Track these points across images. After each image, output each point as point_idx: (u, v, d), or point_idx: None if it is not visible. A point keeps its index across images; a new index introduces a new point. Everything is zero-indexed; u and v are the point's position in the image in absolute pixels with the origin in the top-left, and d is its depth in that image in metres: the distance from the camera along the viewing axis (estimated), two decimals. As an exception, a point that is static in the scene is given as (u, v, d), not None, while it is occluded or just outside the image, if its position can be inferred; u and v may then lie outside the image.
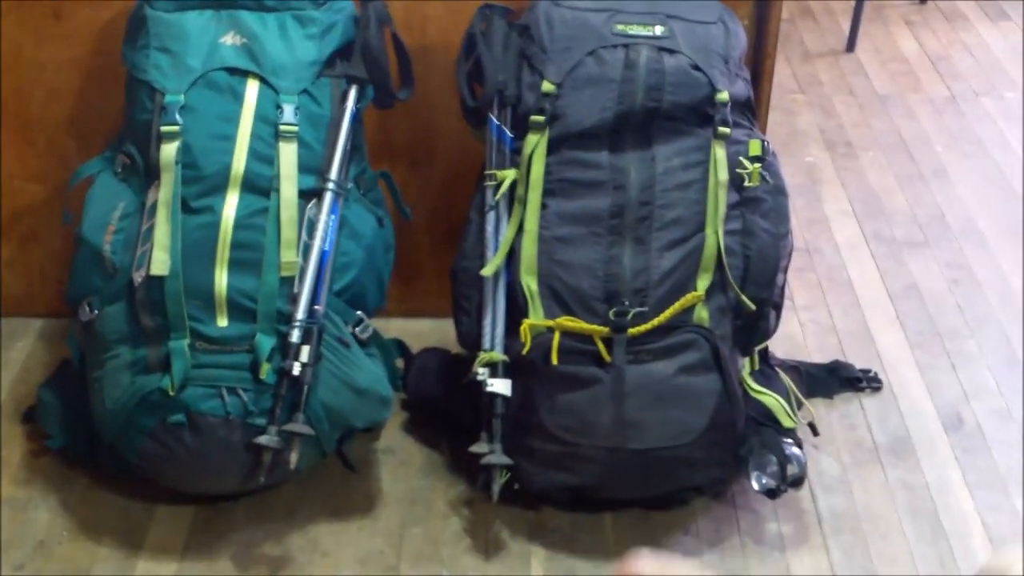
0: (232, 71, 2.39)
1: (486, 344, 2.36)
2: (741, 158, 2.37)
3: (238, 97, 2.37)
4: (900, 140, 3.91)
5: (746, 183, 2.37)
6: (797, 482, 2.34)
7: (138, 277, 2.28)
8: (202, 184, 2.32)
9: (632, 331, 2.27)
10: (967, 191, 3.64)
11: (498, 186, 2.40)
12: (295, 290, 2.29)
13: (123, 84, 2.50)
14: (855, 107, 4.13)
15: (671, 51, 2.40)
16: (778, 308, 2.43)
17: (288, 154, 2.35)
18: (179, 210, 2.29)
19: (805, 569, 2.34)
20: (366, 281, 2.45)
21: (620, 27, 2.42)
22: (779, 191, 2.43)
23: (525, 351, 2.29)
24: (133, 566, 2.31)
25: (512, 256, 2.36)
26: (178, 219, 2.28)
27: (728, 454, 2.36)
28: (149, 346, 2.27)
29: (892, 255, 3.32)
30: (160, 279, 2.25)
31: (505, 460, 2.30)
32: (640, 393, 2.28)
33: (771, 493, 2.34)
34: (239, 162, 2.33)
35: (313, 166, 2.37)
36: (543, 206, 2.36)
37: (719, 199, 2.33)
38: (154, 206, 2.31)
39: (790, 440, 2.38)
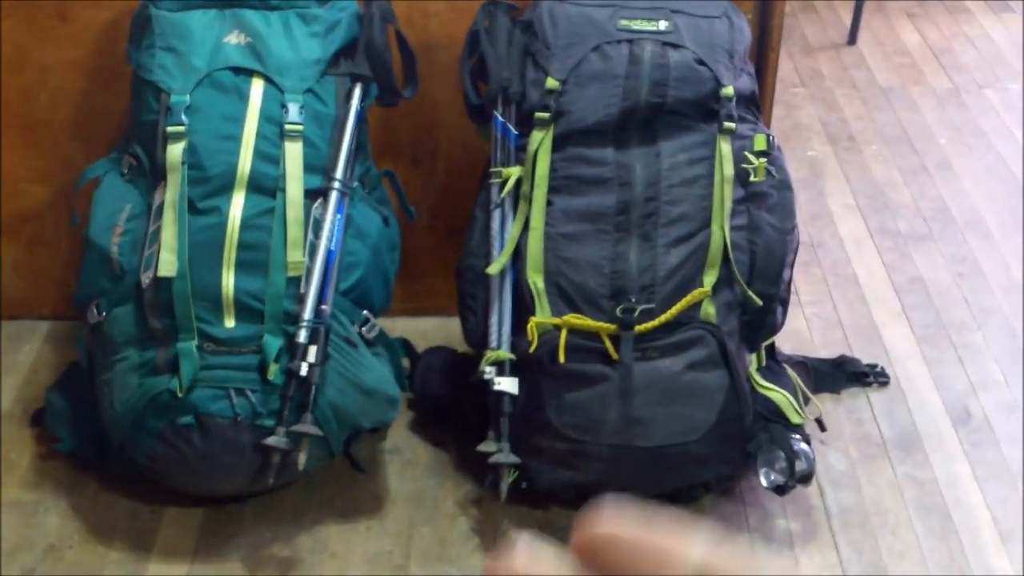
0: (237, 70, 2.39)
1: (493, 342, 2.35)
2: (746, 153, 2.37)
3: (243, 97, 2.37)
4: (903, 133, 3.91)
5: (752, 178, 2.37)
6: (806, 478, 2.34)
7: (146, 279, 2.28)
8: (208, 185, 2.32)
9: (639, 328, 2.27)
10: (971, 183, 3.63)
11: (503, 183, 2.40)
12: (302, 290, 2.29)
13: (128, 85, 2.50)
14: (857, 100, 4.12)
15: (675, 46, 2.39)
16: (785, 303, 2.43)
17: (293, 153, 2.35)
18: (186, 211, 2.29)
19: (814, 565, 2.34)
20: (372, 280, 2.44)
21: (624, 22, 2.42)
22: (785, 186, 2.43)
23: (532, 349, 2.28)
24: (144, 569, 2.32)
25: (518, 254, 2.36)
26: (185, 220, 2.28)
27: (736, 450, 2.36)
28: (157, 348, 2.27)
29: (897, 248, 3.32)
30: (168, 280, 2.25)
31: (513, 459, 2.29)
32: (648, 390, 2.27)
33: (780, 489, 2.34)
34: (245, 162, 2.33)
35: (318, 165, 2.37)
36: (549, 203, 2.36)
37: (725, 194, 2.33)
38: (161, 207, 2.31)
39: (798, 436, 2.38)
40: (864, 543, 2.38)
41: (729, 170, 2.35)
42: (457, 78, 2.53)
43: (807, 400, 2.54)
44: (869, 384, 2.79)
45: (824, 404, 2.67)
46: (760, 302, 2.32)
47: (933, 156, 3.78)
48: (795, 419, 2.41)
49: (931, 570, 2.33)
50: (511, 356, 2.33)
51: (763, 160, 2.38)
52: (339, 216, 2.37)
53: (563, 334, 2.27)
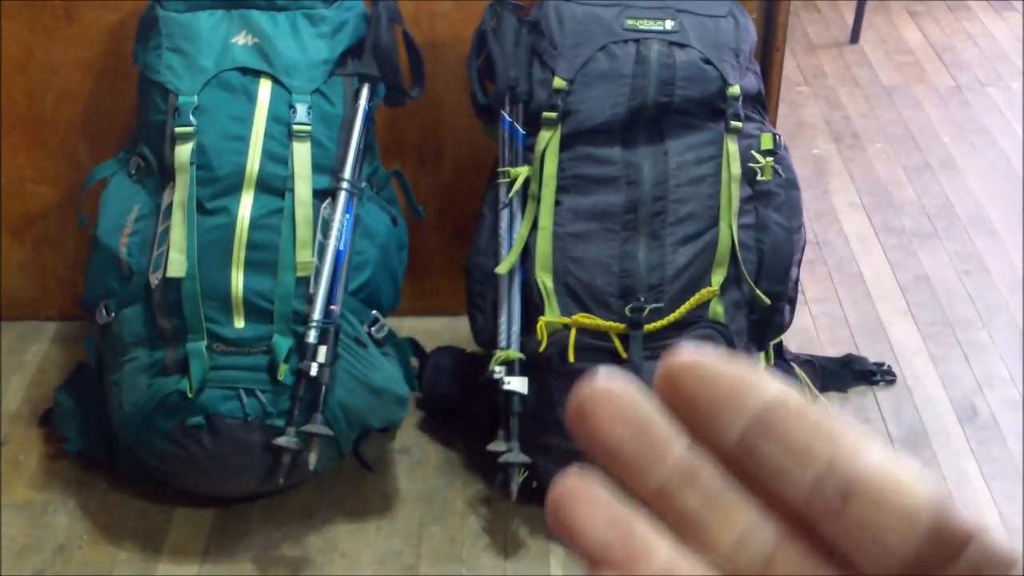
0: (244, 71, 2.39)
1: (502, 342, 2.36)
2: (753, 152, 2.38)
3: (251, 97, 2.37)
4: (907, 131, 3.91)
5: (759, 177, 2.37)
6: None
7: (155, 279, 2.28)
8: (217, 185, 2.32)
9: (648, 327, 2.27)
10: (975, 181, 3.64)
11: (511, 183, 2.40)
12: (311, 290, 2.29)
13: (134, 85, 2.50)
14: (861, 98, 4.13)
15: (682, 45, 2.40)
16: (792, 302, 2.44)
17: (302, 154, 2.35)
18: (195, 211, 2.29)
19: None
20: (381, 280, 2.45)
21: (630, 22, 2.42)
22: (791, 184, 2.44)
23: (541, 348, 2.29)
24: (153, 569, 2.32)
25: (526, 253, 2.36)
26: (194, 220, 2.29)
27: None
28: (167, 348, 2.27)
29: (902, 246, 3.32)
30: (177, 281, 2.26)
31: (523, 458, 2.30)
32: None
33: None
34: (253, 162, 2.33)
35: (327, 165, 2.38)
36: (557, 203, 2.37)
37: (732, 193, 2.33)
38: (169, 208, 2.31)
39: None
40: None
41: (736, 169, 2.35)
42: (463, 78, 2.54)
43: (815, 399, 2.54)
44: (876, 383, 2.79)
45: (832, 403, 2.68)
46: (768, 301, 2.32)
47: (936, 154, 3.79)
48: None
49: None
50: (520, 355, 2.33)
51: (770, 159, 2.39)
52: (348, 216, 2.37)
53: (572, 333, 2.28)
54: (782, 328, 2.43)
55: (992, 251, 3.30)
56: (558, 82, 2.39)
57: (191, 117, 2.34)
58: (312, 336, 2.26)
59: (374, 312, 2.41)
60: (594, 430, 0.35)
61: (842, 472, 0.33)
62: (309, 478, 2.37)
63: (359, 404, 2.30)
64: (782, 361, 2.53)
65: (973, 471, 2.56)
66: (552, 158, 2.38)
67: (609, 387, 0.35)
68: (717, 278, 2.31)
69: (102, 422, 2.42)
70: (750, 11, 2.58)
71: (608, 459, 0.35)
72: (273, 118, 2.36)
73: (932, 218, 3.45)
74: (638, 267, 2.31)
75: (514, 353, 2.33)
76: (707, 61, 2.39)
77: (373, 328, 2.39)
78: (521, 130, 2.42)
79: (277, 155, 2.34)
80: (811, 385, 2.54)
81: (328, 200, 2.36)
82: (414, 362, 2.63)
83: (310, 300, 2.29)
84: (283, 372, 2.25)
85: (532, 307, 2.35)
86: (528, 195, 2.39)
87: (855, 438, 0.34)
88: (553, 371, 2.30)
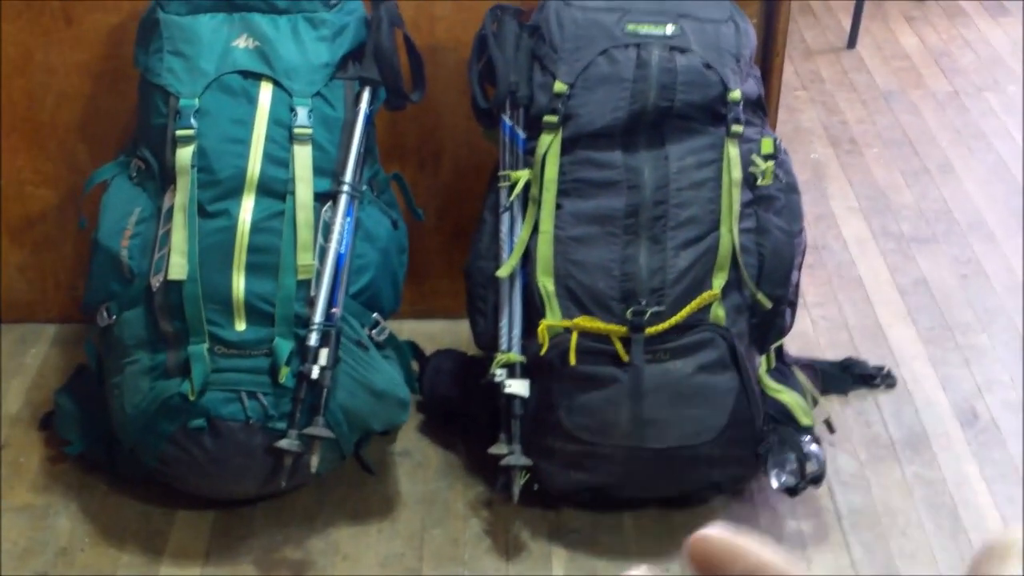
0: (245, 74, 2.39)
1: (503, 345, 2.36)
2: (754, 156, 2.38)
3: (252, 100, 2.37)
4: (904, 136, 3.92)
5: (759, 181, 2.38)
6: (817, 479, 2.35)
7: (156, 282, 2.28)
8: (218, 188, 2.32)
9: (649, 330, 2.28)
10: (973, 185, 3.64)
11: (512, 187, 2.40)
12: (312, 293, 2.29)
13: (134, 88, 2.51)
14: (858, 103, 4.13)
15: (683, 50, 2.40)
16: (793, 306, 2.44)
17: (303, 157, 2.35)
18: (196, 214, 2.29)
19: (827, 566, 2.34)
20: (382, 283, 2.45)
21: (631, 27, 2.42)
22: (792, 189, 2.44)
23: (543, 352, 2.29)
24: (155, 571, 2.32)
25: (527, 257, 2.36)
26: (195, 223, 2.29)
27: (747, 452, 2.36)
28: (168, 351, 2.27)
29: (900, 250, 3.33)
30: (178, 283, 2.26)
31: (525, 461, 2.30)
32: (658, 392, 2.28)
33: (791, 491, 2.35)
34: (254, 165, 2.33)
35: (328, 169, 2.38)
36: (558, 206, 2.37)
37: (733, 197, 2.34)
38: (170, 210, 2.31)
39: (808, 438, 2.38)
40: (875, 544, 2.39)
41: (737, 173, 2.35)
42: (463, 81, 2.54)
43: (815, 402, 2.54)
44: (876, 386, 2.80)
45: (832, 406, 2.68)
46: (769, 304, 2.33)
47: (934, 158, 3.79)
48: (805, 421, 2.41)
49: (942, 570, 2.34)
50: (522, 358, 2.33)
51: (770, 163, 2.39)
52: (348, 219, 2.37)
53: (574, 336, 2.28)
54: (783, 331, 2.43)
55: (990, 255, 3.30)
56: (559, 86, 2.39)
57: (192, 120, 2.34)
58: (313, 339, 2.26)
59: (375, 315, 2.40)
60: None
61: None
62: (310, 481, 2.37)
63: (360, 407, 2.29)
64: (782, 364, 2.53)
65: (974, 474, 2.56)
66: (553, 162, 2.38)
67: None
68: (718, 282, 2.32)
69: (103, 425, 2.42)
70: (750, 16, 2.58)
71: None
72: (274, 121, 2.37)
73: (930, 222, 3.45)
74: (639, 271, 2.31)
75: (515, 356, 2.33)
76: (708, 66, 2.40)
77: (374, 331, 2.39)
78: (522, 134, 2.43)
79: (278, 158, 2.34)
80: (812, 388, 2.54)
81: (329, 203, 2.36)
82: (414, 365, 2.63)
83: (311, 303, 2.29)
84: (284, 375, 2.25)
85: (533, 310, 2.35)
86: (529, 199, 2.39)
87: None
88: (554, 374, 2.30)
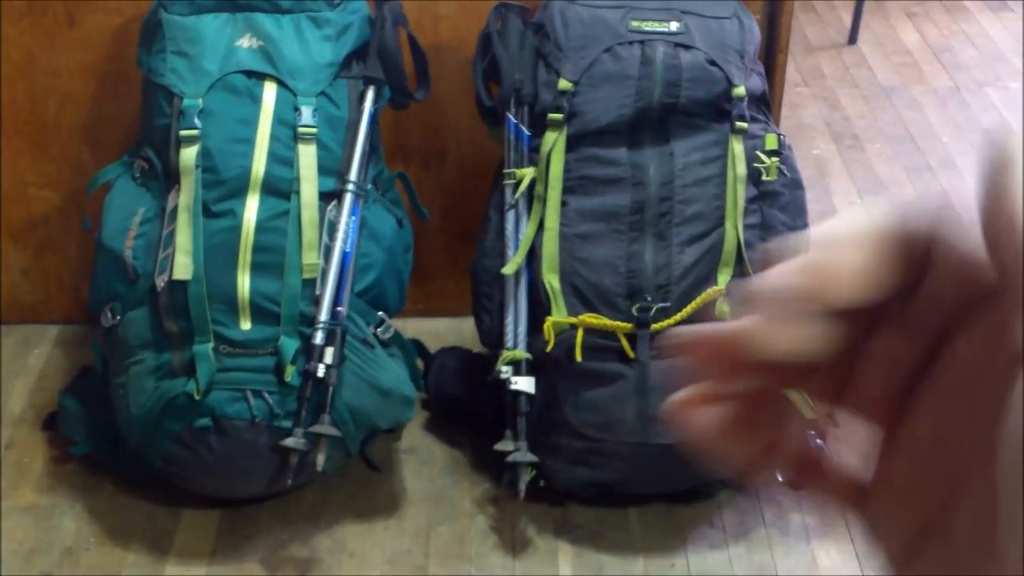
0: (249, 74, 2.39)
1: (509, 342, 2.36)
2: (758, 152, 2.38)
3: (256, 100, 2.37)
4: (906, 132, 3.92)
5: (764, 177, 2.38)
6: (822, 474, 2.34)
7: (160, 282, 2.28)
8: (222, 188, 2.32)
9: (655, 327, 2.28)
10: (975, 181, 3.63)
11: (517, 184, 2.40)
12: (317, 292, 2.29)
13: (137, 90, 2.50)
14: (860, 99, 4.13)
15: (687, 47, 2.40)
16: (797, 301, 2.44)
17: (307, 156, 2.35)
18: (200, 214, 2.29)
19: (832, 559, 2.35)
20: (387, 282, 2.45)
21: (635, 23, 2.42)
22: (796, 184, 2.44)
23: (549, 348, 2.29)
24: (161, 571, 2.32)
25: (533, 254, 2.36)
26: (199, 223, 2.29)
27: (753, 447, 2.36)
28: (173, 351, 2.27)
29: (903, 246, 3.32)
30: (183, 283, 2.26)
31: (531, 458, 2.30)
32: (664, 388, 2.27)
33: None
34: (259, 165, 2.33)
35: (332, 168, 2.38)
36: (563, 204, 2.37)
37: (738, 193, 2.34)
38: (175, 210, 2.31)
39: (812, 432, 2.38)
40: (880, 538, 2.38)
41: (742, 169, 2.36)
42: (466, 80, 2.54)
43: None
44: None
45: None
46: (774, 300, 2.32)
47: (936, 154, 3.79)
48: (808, 414, 2.39)
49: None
50: (528, 356, 2.33)
51: (775, 159, 2.39)
52: (354, 218, 2.37)
53: (580, 333, 2.28)
54: (788, 327, 2.43)
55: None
56: (563, 84, 2.39)
57: (196, 120, 2.34)
58: (319, 337, 2.27)
59: (380, 313, 2.41)
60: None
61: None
62: (316, 479, 2.37)
63: (366, 405, 2.30)
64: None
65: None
66: (558, 159, 2.38)
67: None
68: (723, 278, 2.32)
69: (108, 425, 2.42)
70: (753, 13, 2.59)
71: None
72: (278, 121, 2.37)
73: (933, 218, 3.45)
74: (645, 267, 2.31)
75: (521, 353, 2.33)
76: (712, 62, 2.40)
77: (379, 329, 2.39)
78: (526, 132, 2.43)
79: (283, 158, 2.34)
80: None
81: (334, 202, 2.36)
82: (419, 363, 2.63)
83: (316, 302, 2.29)
84: (290, 373, 2.25)
85: (538, 308, 2.35)
86: (534, 196, 2.39)
87: None
88: (560, 371, 2.30)
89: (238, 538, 2.38)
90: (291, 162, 2.34)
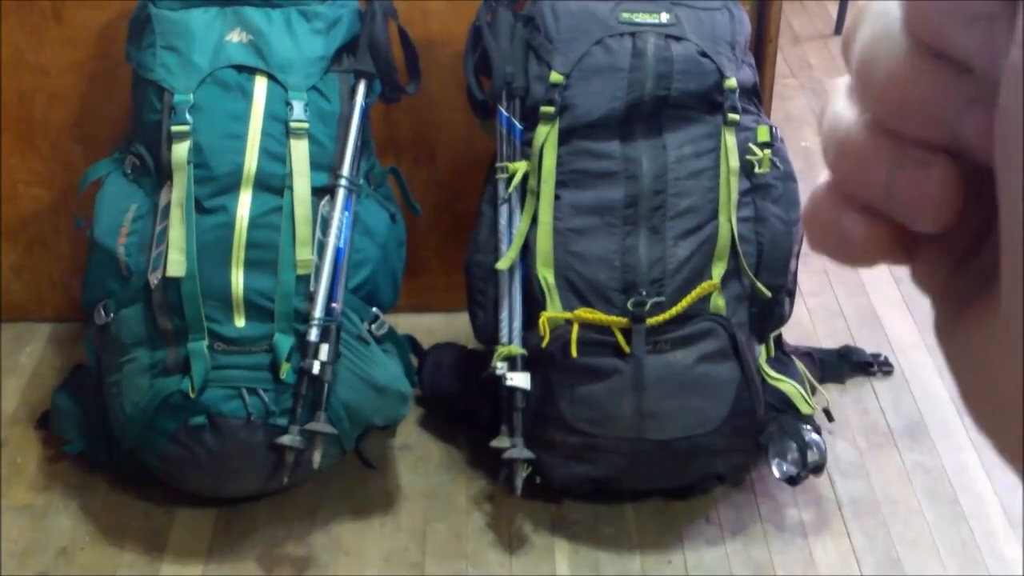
0: (240, 69, 2.38)
1: (504, 338, 2.35)
2: (751, 144, 2.38)
3: (247, 95, 2.36)
4: (895, 122, 3.91)
5: (756, 170, 2.37)
6: (818, 468, 2.35)
7: (154, 279, 2.27)
8: (215, 184, 2.31)
9: (650, 321, 2.27)
10: None
11: (510, 178, 2.39)
12: (311, 288, 2.29)
13: (126, 87, 2.49)
14: (848, 90, 4.12)
15: (678, 38, 2.39)
16: (791, 294, 2.44)
17: (300, 151, 2.34)
18: (193, 210, 2.28)
19: (828, 554, 2.35)
20: (381, 278, 2.44)
21: (626, 15, 2.41)
22: (789, 177, 2.44)
23: (544, 344, 2.28)
24: (157, 570, 2.31)
25: (527, 249, 2.36)
26: (192, 220, 2.28)
27: (749, 442, 2.36)
28: (167, 348, 2.26)
29: (894, 237, 3.32)
30: (177, 281, 2.25)
31: (528, 454, 2.29)
32: (660, 383, 2.28)
33: (792, 480, 2.35)
34: (251, 160, 2.32)
35: (325, 163, 2.37)
36: (556, 197, 2.36)
37: (731, 186, 2.34)
38: (167, 207, 2.30)
39: (809, 426, 2.38)
40: (876, 531, 2.39)
41: (735, 162, 2.35)
42: (457, 75, 2.53)
43: (814, 390, 2.54)
44: (874, 373, 2.80)
45: (830, 394, 2.68)
46: (769, 293, 2.33)
47: (925, 145, 3.78)
48: (805, 409, 2.41)
49: (943, 557, 2.34)
50: (523, 351, 2.33)
51: (767, 151, 2.39)
52: (347, 213, 2.36)
53: (575, 328, 2.27)
54: (782, 320, 2.43)
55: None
56: (555, 76, 2.38)
57: (187, 115, 2.33)
58: (314, 334, 2.26)
59: (374, 309, 2.40)
60: None
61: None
62: (312, 476, 2.36)
63: (362, 402, 2.29)
64: (781, 353, 2.53)
65: (973, 461, 2.56)
66: (551, 153, 2.37)
67: None
68: (718, 271, 2.32)
69: (102, 423, 2.41)
70: (742, 3, 2.58)
71: None
72: (270, 116, 2.35)
73: (923, 209, 3.45)
74: (639, 261, 2.31)
75: (516, 349, 2.33)
76: (704, 54, 2.39)
77: (373, 325, 2.38)
78: (518, 125, 2.42)
79: (275, 153, 2.33)
80: (811, 377, 2.54)
81: (327, 198, 2.35)
82: (413, 359, 2.62)
83: (311, 298, 2.28)
84: (285, 371, 2.24)
85: (533, 303, 2.34)
86: (527, 190, 2.38)
87: None
88: (556, 366, 2.30)
89: (234, 536, 2.38)
90: (283, 157, 2.33)
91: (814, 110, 4.00)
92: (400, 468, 2.53)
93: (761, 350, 2.44)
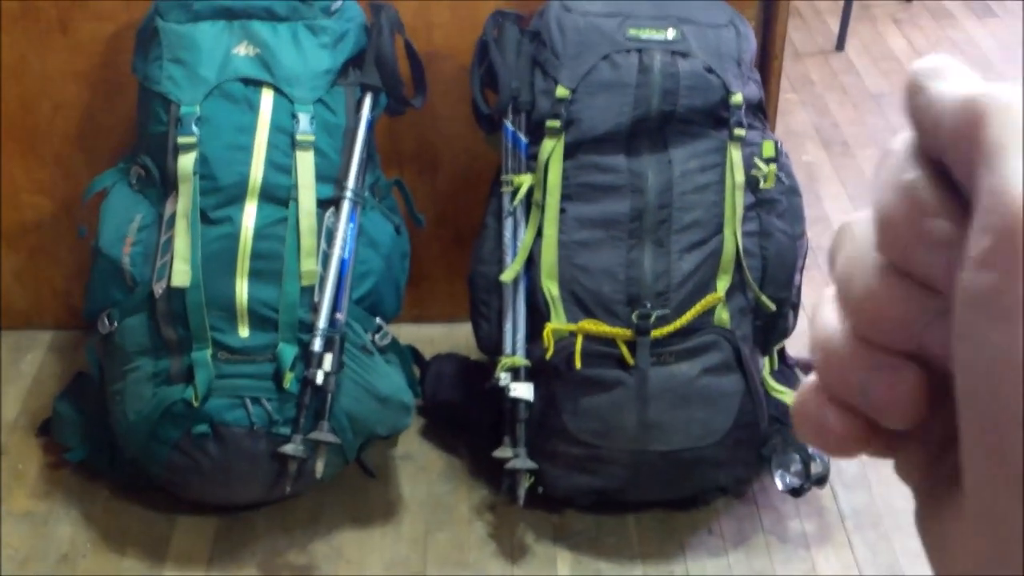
0: (246, 81, 2.38)
1: (507, 349, 2.36)
2: (756, 159, 2.39)
3: (253, 107, 2.37)
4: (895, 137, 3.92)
5: (762, 184, 2.38)
6: (821, 480, 2.35)
7: (158, 289, 2.28)
8: (220, 195, 2.31)
9: (655, 333, 2.28)
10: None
11: (515, 191, 2.40)
12: (316, 299, 2.29)
13: (130, 97, 2.50)
14: (849, 106, 4.14)
15: (684, 54, 2.40)
16: (795, 307, 2.45)
17: (305, 163, 2.35)
18: (198, 221, 2.29)
19: (831, 566, 2.35)
20: (384, 289, 2.45)
21: (633, 32, 2.42)
22: (793, 191, 2.45)
23: (548, 355, 2.29)
24: (159, 577, 2.31)
25: (531, 261, 2.37)
26: (198, 230, 2.28)
27: (752, 454, 2.37)
28: (171, 357, 2.27)
29: (894, 252, 3.32)
30: (181, 290, 2.25)
31: (530, 464, 2.30)
32: (664, 395, 2.29)
33: (795, 492, 2.35)
34: (257, 172, 2.32)
35: (330, 175, 2.38)
36: (562, 211, 2.37)
37: (736, 201, 2.34)
38: (172, 217, 2.30)
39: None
40: (878, 543, 2.40)
41: (740, 176, 2.36)
42: (461, 88, 2.54)
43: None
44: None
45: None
46: (774, 307, 2.34)
47: (925, 160, 3.79)
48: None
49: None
50: (527, 362, 2.33)
51: (772, 166, 2.40)
52: (351, 225, 2.37)
53: (579, 340, 2.28)
54: (786, 333, 2.44)
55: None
56: (561, 91, 2.39)
57: (193, 127, 2.33)
58: (317, 344, 2.26)
59: (378, 320, 2.40)
60: None
61: None
62: (314, 486, 2.37)
63: (365, 412, 2.30)
64: (785, 365, 2.54)
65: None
66: (556, 167, 2.38)
67: None
68: (722, 284, 2.32)
69: (104, 431, 2.41)
70: (748, 19, 2.59)
71: None
72: (276, 128, 2.36)
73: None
74: (644, 274, 2.31)
75: (520, 360, 2.33)
76: (710, 70, 2.40)
77: (377, 336, 2.39)
78: (524, 139, 2.43)
79: (280, 165, 2.34)
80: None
81: (332, 209, 2.36)
82: (415, 369, 2.63)
83: (315, 309, 2.29)
84: (289, 380, 2.25)
85: (537, 314, 2.35)
86: (532, 203, 2.39)
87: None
88: (559, 378, 2.31)
89: (235, 545, 2.38)
90: (289, 169, 2.34)
91: (816, 125, 4.01)
92: (402, 477, 2.54)
93: (765, 362, 2.45)
